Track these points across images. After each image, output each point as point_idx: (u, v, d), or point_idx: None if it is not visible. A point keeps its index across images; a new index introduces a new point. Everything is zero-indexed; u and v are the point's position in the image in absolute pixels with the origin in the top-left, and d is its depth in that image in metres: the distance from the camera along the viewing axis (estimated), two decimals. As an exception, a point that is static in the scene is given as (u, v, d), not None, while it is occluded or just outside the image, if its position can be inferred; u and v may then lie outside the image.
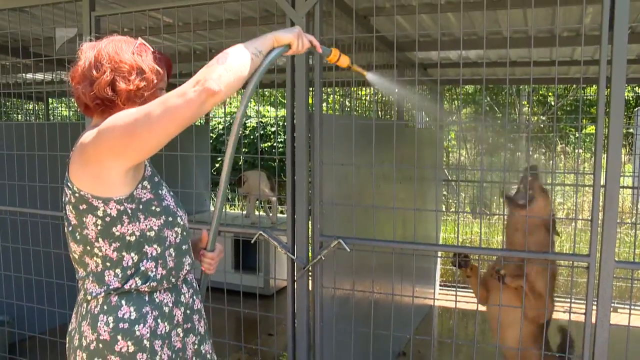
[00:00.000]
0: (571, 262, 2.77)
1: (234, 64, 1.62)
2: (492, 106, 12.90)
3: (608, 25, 2.26)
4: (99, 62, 1.78)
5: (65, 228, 1.86)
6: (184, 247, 1.93)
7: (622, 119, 2.29)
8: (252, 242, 2.83)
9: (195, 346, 2.02)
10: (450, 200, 8.22)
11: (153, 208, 1.83)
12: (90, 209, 1.74)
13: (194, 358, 2.01)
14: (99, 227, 1.75)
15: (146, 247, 1.81)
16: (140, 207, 1.80)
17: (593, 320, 2.45)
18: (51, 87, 6.60)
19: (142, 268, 1.80)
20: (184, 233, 1.94)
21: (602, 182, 2.37)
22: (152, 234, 1.82)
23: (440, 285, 6.46)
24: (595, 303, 2.44)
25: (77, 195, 1.73)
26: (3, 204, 3.83)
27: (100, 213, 1.73)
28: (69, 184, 1.76)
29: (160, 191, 1.91)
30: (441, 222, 6.79)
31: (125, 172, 1.72)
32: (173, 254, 1.89)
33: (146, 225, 1.80)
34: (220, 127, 12.52)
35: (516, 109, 12.87)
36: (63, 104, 9.53)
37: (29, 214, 3.69)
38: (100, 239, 1.77)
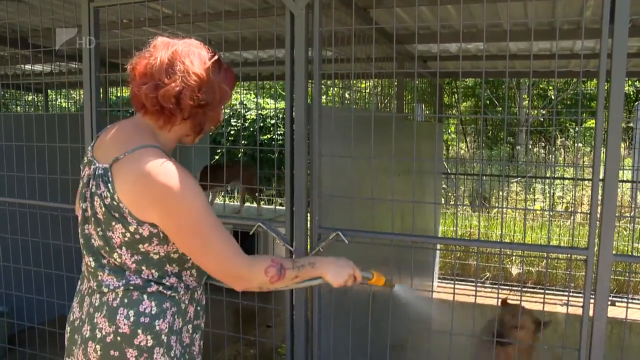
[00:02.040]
0: (569, 255, 2.77)
1: (276, 286, 1.85)
2: (492, 99, 12.88)
3: (609, 18, 2.25)
4: (172, 68, 1.69)
5: (83, 211, 1.82)
6: None
7: (621, 113, 2.29)
8: (250, 233, 2.82)
9: (201, 342, 2.03)
10: (450, 194, 8.22)
11: None
12: (123, 221, 1.71)
13: (200, 354, 2.03)
14: (125, 239, 1.73)
15: (167, 266, 1.80)
16: None
17: (591, 313, 2.46)
18: (50, 78, 6.58)
19: (167, 283, 1.81)
20: None
21: (601, 176, 2.37)
22: (176, 255, 1.80)
23: (439, 278, 6.47)
24: (593, 296, 2.44)
25: (115, 203, 1.69)
26: (2, 195, 3.83)
27: (131, 229, 1.71)
28: (109, 185, 1.70)
29: None
30: (440, 215, 6.80)
31: None
32: (195, 274, 1.89)
33: (173, 247, 1.78)
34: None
35: (516, 102, 12.84)
36: (62, 95, 9.50)
37: (28, 205, 3.69)
38: (123, 248, 1.75)
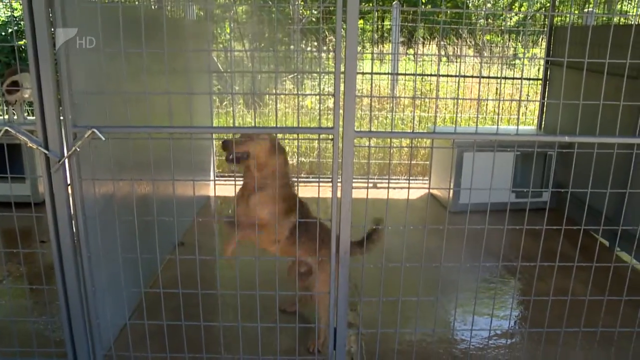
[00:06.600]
0: (318, 135, 3.01)
1: None
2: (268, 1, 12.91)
3: None
4: None
5: None
6: None
7: (357, 13, 2.47)
8: (-5, 140, 2.60)
9: None
10: (224, 94, 8.29)
11: None
12: None
13: None
14: None
15: None
16: None
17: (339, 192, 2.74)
18: None
19: None
20: None
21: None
22: None
23: (217, 176, 6.58)
24: (341, 174, 2.71)
25: None
26: None
27: None
28: None
29: None
30: (213, 111, 6.84)
31: None
32: None
33: None
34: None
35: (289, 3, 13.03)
36: None
37: None
38: None
